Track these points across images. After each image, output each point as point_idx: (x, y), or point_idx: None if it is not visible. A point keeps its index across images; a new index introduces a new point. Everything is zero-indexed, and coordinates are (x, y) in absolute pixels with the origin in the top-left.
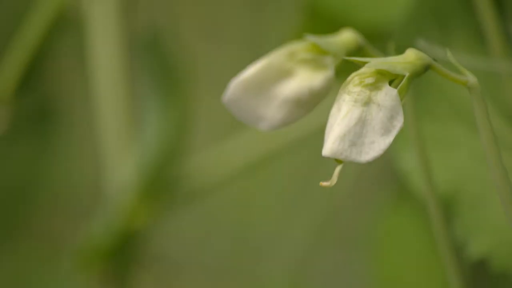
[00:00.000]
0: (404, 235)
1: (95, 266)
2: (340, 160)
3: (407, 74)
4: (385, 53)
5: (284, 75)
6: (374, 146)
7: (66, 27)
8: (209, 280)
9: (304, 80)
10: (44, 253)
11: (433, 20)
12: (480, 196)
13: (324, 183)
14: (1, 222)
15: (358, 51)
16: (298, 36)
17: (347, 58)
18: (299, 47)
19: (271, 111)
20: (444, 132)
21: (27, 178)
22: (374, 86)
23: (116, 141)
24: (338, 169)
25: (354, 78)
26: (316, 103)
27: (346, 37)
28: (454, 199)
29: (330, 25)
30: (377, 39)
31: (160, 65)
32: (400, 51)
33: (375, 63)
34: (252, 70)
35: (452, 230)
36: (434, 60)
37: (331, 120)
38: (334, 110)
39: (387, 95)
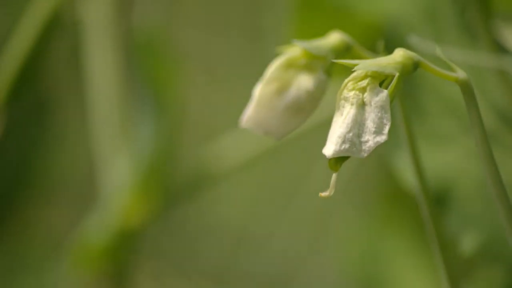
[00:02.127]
0: (397, 231)
1: (92, 265)
2: (335, 168)
3: (397, 74)
4: (375, 51)
5: (283, 85)
6: (369, 144)
7: (62, 29)
8: (206, 278)
9: (300, 85)
10: (40, 252)
11: (424, 16)
12: (472, 192)
13: (323, 194)
14: None
15: (347, 51)
16: (297, 30)
17: (336, 61)
18: (291, 56)
19: (277, 121)
20: (437, 129)
21: (22, 177)
22: (366, 88)
23: (112, 140)
24: (334, 178)
25: (348, 84)
26: (315, 106)
27: (334, 39)
28: (447, 195)
29: (328, 16)
30: (377, 30)
31: (155, 65)
32: (391, 48)
33: (364, 65)
34: (257, 94)
35: (445, 226)
36: (423, 58)
37: (333, 126)
38: (335, 117)
39: (378, 96)
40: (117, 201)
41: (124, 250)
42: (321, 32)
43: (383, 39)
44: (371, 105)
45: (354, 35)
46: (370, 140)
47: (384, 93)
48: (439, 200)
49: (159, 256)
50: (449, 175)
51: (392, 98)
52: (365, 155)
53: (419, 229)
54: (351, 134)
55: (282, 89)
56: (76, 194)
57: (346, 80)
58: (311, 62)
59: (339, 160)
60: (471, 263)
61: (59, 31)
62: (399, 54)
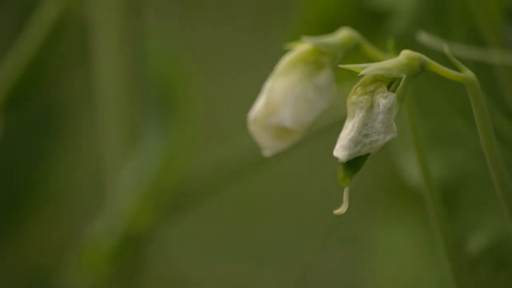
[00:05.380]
0: (405, 232)
1: (99, 269)
2: (345, 182)
3: (404, 76)
4: (384, 49)
5: (293, 79)
6: (380, 142)
7: (70, 31)
8: (212, 283)
9: (308, 80)
10: (47, 257)
11: (432, 14)
12: (480, 193)
13: (337, 211)
14: (3, 227)
15: (356, 49)
16: (304, 21)
17: (343, 66)
18: (301, 52)
19: (290, 110)
20: (445, 129)
21: (30, 183)
22: (375, 92)
23: (119, 146)
24: (346, 192)
25: (357, 89)
26: (325, 100)
27: (344, 36)
28: (454, 195)
29: (338, 4)
30: (387, 17)
31: (164, 68)
32: (400, 46)
33: (371, 69)
34: (268, 88)
35: (451, 227)
36: (432, 55)
37: (344, 130)
38: (346, 122)
39: (386, 98)
40: (124, 206)
41: (131, 254)
42: (330, 24)
43: (392, 37)
44: (379, 108)
45: (362, 25)
46: (380, 140)
47: (392, 96)
48: (446, 200)
49: (165, 261)
50: (456, 175)
51: (400, 100)
52: (373, 151)
53: (426, 229)
54: (361, 137)
55: (291, 83)
56: (84, 199)
57: (355, 86)
58: (321, 58)
59: (348, 174)
60: (478, 264)
61: (67, 34)
62: (404, 55)
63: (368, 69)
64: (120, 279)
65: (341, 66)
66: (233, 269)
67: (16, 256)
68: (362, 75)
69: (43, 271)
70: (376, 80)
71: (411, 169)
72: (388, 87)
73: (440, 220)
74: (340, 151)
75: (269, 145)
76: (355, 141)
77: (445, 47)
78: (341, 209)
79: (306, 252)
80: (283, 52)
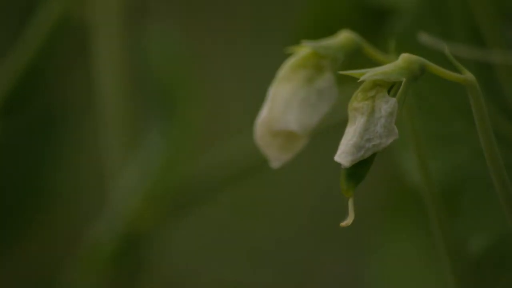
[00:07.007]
0: (406, 233)
1: (99, 272)
2: (349, 193)
3: (403, 80)
4: (385, 50)
5: (295, 84)
6: (381, 146)
7: (71, 34)
8: (212, 284)
9: (309, 85)
10: (48, 258)
11: (432, 14)
12: (480, 193)
13: (343, 223)
14: (5, 228)
15: (357, 51)
16: (304, 21)
17: (342, 72)
18: (302, 56)
19: (295, 114)
20: (446, 129)
21: (31, 184)
22: (376, 97)
23: (121, 147)
24: (351, 204)
25: (358, 94)
26: (326, 104)
27: (344, 38)
28: (455, 196)
29: (338, 5)
30: (388, 17)
31: (165, 70)
32: (401, 47)
33: (370, 74)
34: (271, 94)
35: (452, 228)
36: (432, 56)
37: (346, 136)
38: (348, 128)
39: (387, 104)
40: (125, 207)
41: (132, 255)
42: (330, 25)
43: (393, 37)
44: (381, 112)
45: (363, 25)
46: (383, 143)
47: (393, 101)
48: (447, 201)
49: (166, 263)
50: (457, 176)
51: (401, 103)
52: (375, 152)
53: (427, 230)
54: (363, 142)
55: (293, 89)
56: (85, 200)
57: (355, 92)
58: (321, 62)
59: (351, 185)
60: (479, 265)
61: (67, 35)
62: (403, 59)
63: (367, 75)
64: (121, 280)
65: (341, 72)
66: (233, 270)
67: (19, 258)
68: (362, 80)
69: (45, 272)
70: (376, 85)
71: (412, 170)
72: (389, 91)
73: (440, 221)
74: (343, 157)
75: (276, 157)
76: (357, 147)
77: (446, 48)
78: (347, 221)
79: (306, 254)
80: (283, 54)
